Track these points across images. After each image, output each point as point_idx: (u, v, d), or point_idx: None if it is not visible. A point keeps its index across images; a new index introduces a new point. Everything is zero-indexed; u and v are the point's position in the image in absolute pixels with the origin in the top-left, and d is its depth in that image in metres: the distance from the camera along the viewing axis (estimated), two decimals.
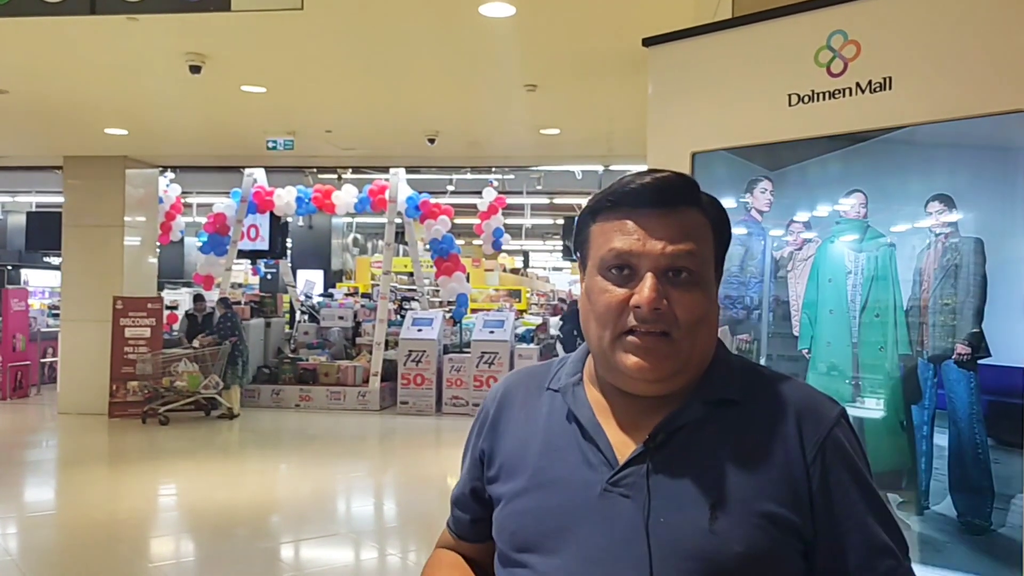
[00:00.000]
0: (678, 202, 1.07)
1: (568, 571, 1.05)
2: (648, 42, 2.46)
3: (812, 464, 1.06)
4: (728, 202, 2.39)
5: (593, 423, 1.11)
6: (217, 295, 11.90)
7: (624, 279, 1.06)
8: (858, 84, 2.06)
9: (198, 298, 11.39)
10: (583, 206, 1.17)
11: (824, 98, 2.11)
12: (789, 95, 2.16)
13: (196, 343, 10.44)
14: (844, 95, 2.08)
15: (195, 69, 6.30)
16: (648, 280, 1.03)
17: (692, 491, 1.04)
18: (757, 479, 1.05)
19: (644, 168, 1.10)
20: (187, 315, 11.60)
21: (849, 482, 1.07)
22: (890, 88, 2.01)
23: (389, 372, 11.55)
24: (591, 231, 1.12)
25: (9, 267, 16.98)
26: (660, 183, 1.07)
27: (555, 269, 29.66)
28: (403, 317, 12.39)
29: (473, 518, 1.26)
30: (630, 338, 1.05)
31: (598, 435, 1.10)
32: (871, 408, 2.06)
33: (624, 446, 1.09)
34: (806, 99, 2.14)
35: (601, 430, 1.10)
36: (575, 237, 1.17)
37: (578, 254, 1.16)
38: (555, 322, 14.46)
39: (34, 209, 15.92)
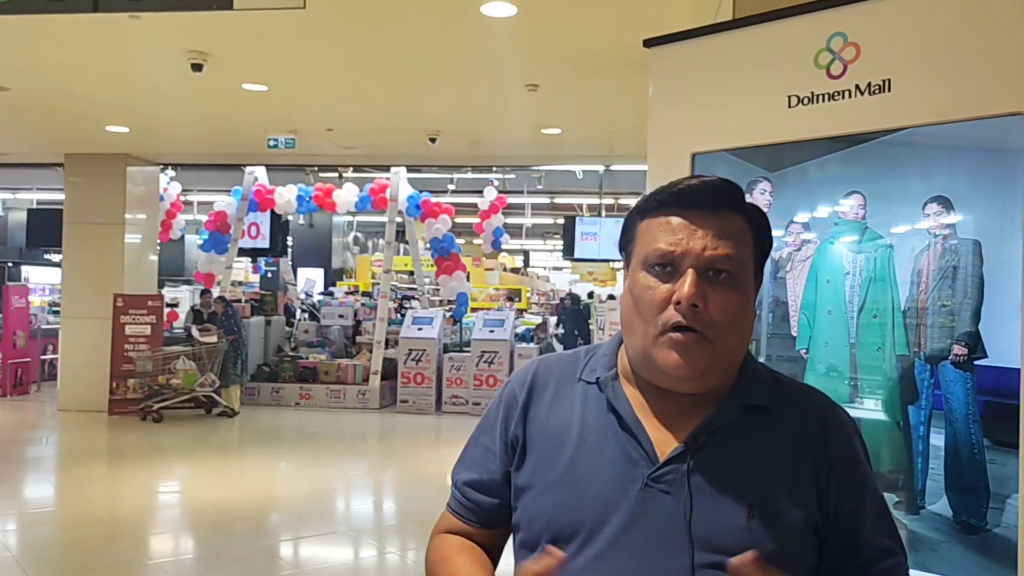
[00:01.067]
0: (722, 205, 1.11)
1: (608, 563, 1.08)
2: (649, 43, 2.47)
3: (832, 468, 1.14)
4: None
5: (634, 418, 1.14)
6: (217, 293, 11.91)
7: (667, 275, 1.10)
8: (857, 86, 2.07)
9: (204, 293, 11.40)
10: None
11: (824, 100, 2.12)
12: (789, 97, 2.17)
13: (195, 333, 10.44)
14: (843, 97, 2.09)
15: (197, 67, 6.31)
16: (689, 275, 1.07)
17: (731, 491, 1.09)
18: (789, 482, 1.12)
19: (689, 175, 1.14)
20: (192, 310, 11.61)
21: (863, 486, 1.16)
22: (889, 90, 2.02)
23: (389, 371, 11.56)
24: (638, 229, 1.16)
25: (10, 264, 16.97)
26: (706, 186, 1.11)
27: (555, 269, 29.67)
28: (403, 316, 12.40)
29: (502, 503, 1.25)
30: (673, 335, 1.08)
31: (639, 430, 1.13)
32: (869, 408, 2.07)
33: (662, 443, 1.12)
34: (806, 101, 2.15)
35: (641, 425, 1.13)
36: (621, 236, 1.21)
37: (624, 253, 1.20)
38: (554, 322, 14.48)
39: (35, 206, 15.94)
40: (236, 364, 10.61)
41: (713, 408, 1.13)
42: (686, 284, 1.07)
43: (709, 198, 1.11)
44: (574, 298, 14.97)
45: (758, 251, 1.15)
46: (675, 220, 1.10)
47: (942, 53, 1.95)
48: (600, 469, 1.13)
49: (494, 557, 1.28)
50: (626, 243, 1.19)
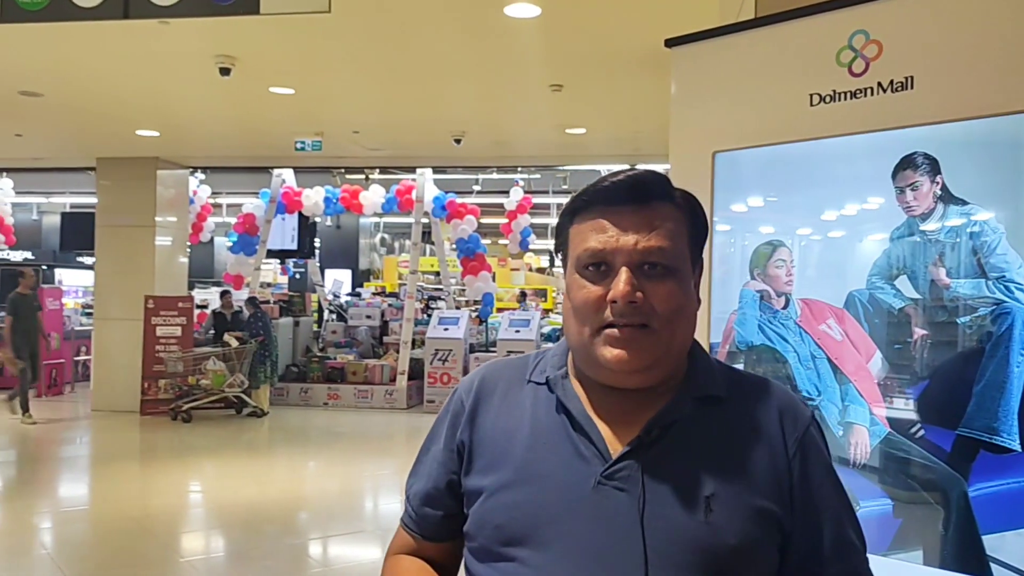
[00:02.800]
0: (650, 197, 1.09)
1: (562, 563, 1.05)
2: (670, 43, 2.48)
3: (793, 459, 1.11)
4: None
5: (585, 416, 1.12)
6: (247, 294, 12.03)
7: (600, 275, 1.08)
8: (880, 84, 2.05)
9: (224, 294, 11.51)
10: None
11: (846, 98, 2.11)
12: (811, 95, 2.16)
13: (227, 339, 10.56)
14: (866, 95, 2.08)
15: (225, 71, 6.39)
16: (623, 274, 1.06)
17: (686, 485, 1.06)
18: (747, 474, 1.09)
19: (616, 171, 1.13)
20: (214, 313, 11.74)
21: (824, 477, 1.13)
22: (912, 87, 2.01)
23: (416, 371, 11.62)
24: (569, 232, 1.14)
25: (44, 267, 17.26)
26: (631, 180, 1.09)
27: None
28: (430, 316, 12.46)
29: (446, 514, 1.22)
30: (609, 331, 1.07)
31: (590, 428, 1.10)
32: None
33: (613, 440, 1.10)
34: (828, 99, 2.13)
35: (593, 423, 1.11)
36: (556, 239, 1.19)
37: (559, 255, 1.19)
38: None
39: (68, 210, 16.19)
40: (265, 365, 10.72)
41: (665, 401, 1.11)
42: (620, 282, 1.05)
43: (636, 192, 1.09)
44: None
45: (693, 239, 1.13)
46: (604, 219, 1.09)
47: (965, 49, 1.94)
48: (553, 469, 1.10)
49: (450, 573, 1.26)
50: (560, 246, 1.18)
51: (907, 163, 2.00)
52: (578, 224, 1.12)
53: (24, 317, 9.77)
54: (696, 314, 1.14)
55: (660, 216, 1.09)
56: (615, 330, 1.06)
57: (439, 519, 1.23)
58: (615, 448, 1.09)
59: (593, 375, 1.13)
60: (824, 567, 1.10)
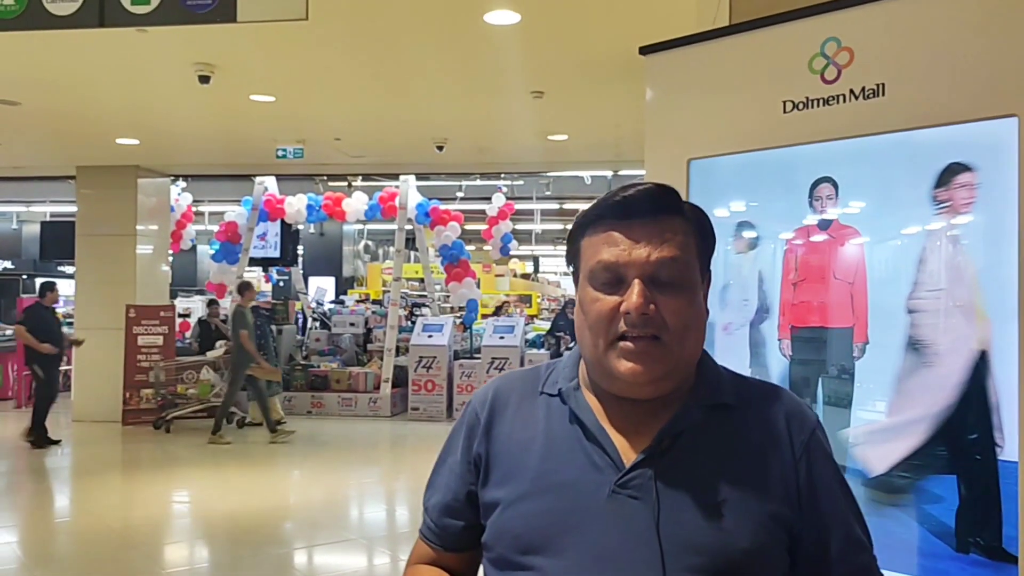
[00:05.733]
0: (660, 211, 1.12)
1: (580, 571, 1.08)
2: (644, 50, 2.49)
3: (800, 461, 1.14)
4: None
5: (597, 426, 1.14)
6: (230, 302, 11.92)
7: (613, 288, 1.10)
8: (852, 91, 2.07)
9: (211, 303, 11.43)
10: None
11: (818, 105, 2.13)
12: (784, 102, 2.18)
13: (222, 349, 10.44)
14: (838, 102, 2.09)
15: (204, 79, 6.37)
16: (635, 287, 1.08)
17: (699, 492, 1.09)
18: (758, 479, 1.12)
19: (625, 185, 1.15)
20: (200, 322, 11.65)
21: (832, 479, 1.17)
22: (883, 94, 2.03)
23: (400, 378, 11.59)
24: (581, 245, 1.17)
25: (24, 276, 17.13)
26: (642, 194, 1.12)
27: (565, 274, 29.57)
28: (414, 323, 12.43)
29: (466, 525, 1.25)
30: (623, 343, 1.09)
31: (603, 438, 1.13)
32: None
33: (626, 449, 1.13)
34: (800, 106, 2.15)
35: (606, 433, 1.14)
36: (567, 251, 1.22)
37: (571, 268, 1.21)
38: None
39: (48, 219, 16.08)
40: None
41: (675, 410, 1.14)
42: (633, 294, 1.08)
43: (647, 205, 1.11)
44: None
45: (702, 251, 1.16)
46: (616, 232, 1.11)
47: (936, 56, 1.96)
48: (568, 479, 1.13)
49: None
50: (571, 259, 1.20)
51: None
52: (590, 237, 1.15)
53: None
54: (705, 325, 1.17)
55: (671, 229, 1.11)
56: (628, 343, 1.09)
57: (459, 530, 1.25)
58: (628, 457, 1.12)
59: (607, 387, 1.16)
60: (833, 566, 1.13)
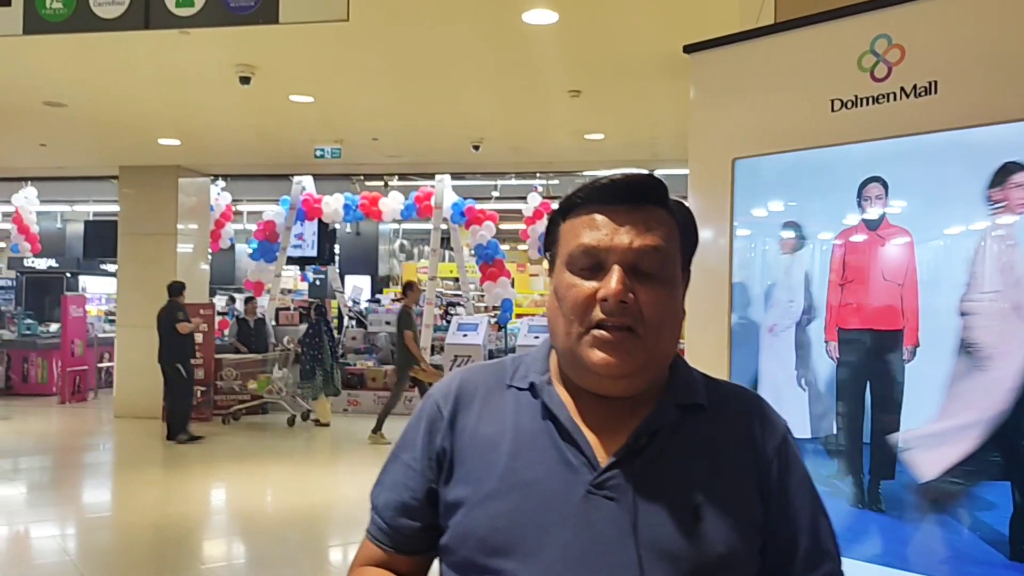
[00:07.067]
0: (646, 200, 1.08)
1: (552, 574, 1.03)
2: (689, 49, 2.46)
3: (771, 465, 1.12)
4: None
5: (572, 423, 1.09)
6: (267, 300, 12.05)
7: (592, 273, 1.06)
8: (903, 89, 2.03)
9: (249, 300, 11.55)
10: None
11: (868, 103, 2.09)
12: (832, 100, 2.14)
13: (291, 346, 10.70)
14: (888, 100, 2.05)
15: (245, 80, 6.44)
16: (615, 272, 1.04)
17: (675, 494, 1.06)
18: (733, 482, 1.09)
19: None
20: (238, 320, 11.78)
21: (801, 484, 1.14)
22: (935, 92, 1.98)
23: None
24: (561, 229, 1.12)
25: (68, 274, 17.44)
26: (630, 180, 1.09)
27: None
28: (449, 322, 12.46)
29: (424, 526, 1.16)
30: (597, 332, 1.04)
31: (578, 435, 1.08)
32: None
33: (600, 448, 1.08)
34: (849, 104, 2.11)
35: (580, 431, 1.09)
36: (545, 237, 1.17)
37: (548, 254, 1.16)
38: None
39: (91, 218, 16.36)
40: (314, 374, 10.48)
41: (649, 409, 1.10)
42: (612, 280, 1.03)
43: (633, 192, 1.08)
44: None
45: (684, 247, 1.12)
46: (599, 216, 1.07)
47: (989, 53, 1.91)
48: (538, 477, 1.07)
49: None
50: (550, 244, 1.15)
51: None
52: (571, 220, 1.10)
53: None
54: (681, 324, 1.13)
55: (655, 219, 1.08)
56: (603, 332, 1.04)
57: (415, 531, 1.17)
58: (602, 457, 1.07)
59: (577, 379, 1.11)
60: (800, 573, 1.11)
